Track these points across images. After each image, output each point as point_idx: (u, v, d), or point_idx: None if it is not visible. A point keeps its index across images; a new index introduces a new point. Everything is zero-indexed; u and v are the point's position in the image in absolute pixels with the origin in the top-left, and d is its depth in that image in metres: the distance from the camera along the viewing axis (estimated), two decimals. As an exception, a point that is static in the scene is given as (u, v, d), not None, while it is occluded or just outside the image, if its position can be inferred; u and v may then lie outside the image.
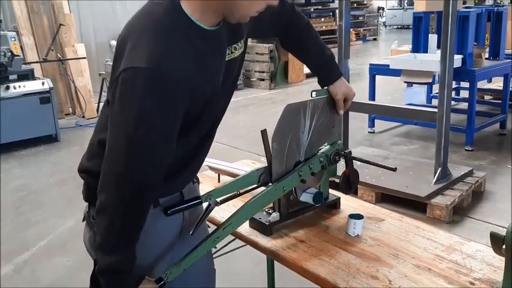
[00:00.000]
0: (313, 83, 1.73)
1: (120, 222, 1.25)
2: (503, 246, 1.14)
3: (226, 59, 1.36)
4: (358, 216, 1.65)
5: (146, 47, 1.17)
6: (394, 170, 1.79)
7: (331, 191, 1.87)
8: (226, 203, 1.55)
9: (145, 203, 1.28)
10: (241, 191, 1.59)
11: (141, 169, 1.21)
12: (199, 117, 1.32)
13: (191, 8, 1.23)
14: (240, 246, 2.22)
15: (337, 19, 4.43)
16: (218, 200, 1.51)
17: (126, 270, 1.29)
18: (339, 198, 1.86)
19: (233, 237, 1.91)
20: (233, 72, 1.45)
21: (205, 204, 1.48)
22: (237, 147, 5.62)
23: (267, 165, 1.62)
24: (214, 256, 2.25)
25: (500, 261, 1.29)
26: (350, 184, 1.78)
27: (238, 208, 1.53)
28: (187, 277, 1.50)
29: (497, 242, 1.16)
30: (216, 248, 1.97)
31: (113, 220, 1.25)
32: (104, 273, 1.30)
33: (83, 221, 1.50)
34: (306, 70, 9.60)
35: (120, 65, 1.18)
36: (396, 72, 5.11)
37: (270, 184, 1.60)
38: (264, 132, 1.58)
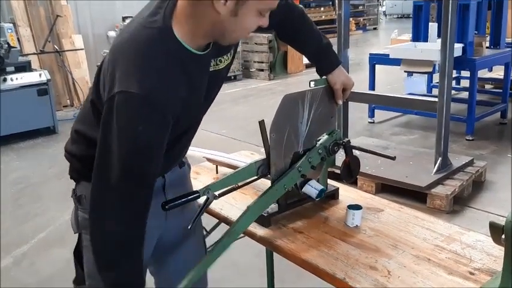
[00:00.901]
0: (313, 73, 1.71)
1: (114, 238, 1.28)
2: (503, 236, 1.12)
3: (210, 70, 1.38)
4: (357, 207, 1.64)
5: (138, 72, 1.20)
6: (393, 158, 1.77)
7: (329, 181, 1.85)
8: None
9: (138, 219, 1.29)
10: (239, 184, 1.58)
11: (132, 187, 1.25)
12: (177, 124, 1.33)
13: (181, 31, 1.25)
14: (239, 238, 2.21)
15: (337, 8, 4.39)
16: (216, 193, 1.50)
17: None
18: (338, 188, 1.84)
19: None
20: (217, 83, 1.47)
21: (203, 198, 1.47)
22: (236, 138, 5.60)
23: (265, 157, 1.60)
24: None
25: (500, 251, 1.28)
26: (351, 172, 1.76)
27: (242, 212, 1.53)
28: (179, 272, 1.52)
29: (496, 231, 1.14)
30: (208, 233, 1.97)
31: (108, 237, 1.29)
32: None
33: (71, 196, 1.56)
34: (306, 60, 9.57)
35: (114, 86, 1.20)
36: (396, 62, 5.08)
37: (269, 176, 1.59)
38: (261, 123, 1.56)
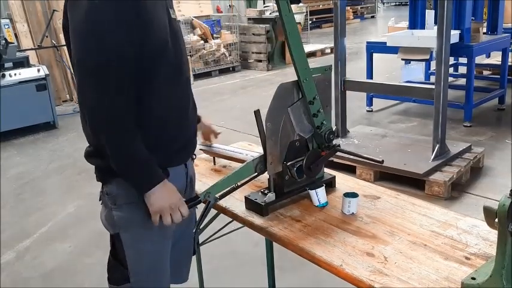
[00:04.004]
0: (312, 63, 1.71)
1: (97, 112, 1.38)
2: (496, 220, 1.14)
3: (172, 17, 1.54)
4: (353, 195, 1.65)
5: None
6: (381, 162, 1.78)
7: (326, 169, 1.86)
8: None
9: (115, 84, 1.36)
10: (239, 183, 1.62)
11: (101, 53, 1.34)
12: (165, 50, 1.46)
13: None
14: (238, 228, 2.23)
15: (333, -3, 4.38)
16: (217, 195, 1.54)
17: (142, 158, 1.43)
18: (334, 177, 1.85)
19: (230, 219, 1.91)
20: (180, 32, 1.59)
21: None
22: (235, 129, 5.60)
23: (262, 154, 1.62)
24: (212, 238, 2.28)
25: (495, 235, 1.29)
26: (311, 168, 1.74)
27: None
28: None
29: (490, 215, 1.16)
30: (203, 219, 2.01)
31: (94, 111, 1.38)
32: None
33: (100, 199, 1.61)
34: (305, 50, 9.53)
35: None
36: (393, 50, 5.07)
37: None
38: (257, 113, 1.58)
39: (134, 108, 1.42)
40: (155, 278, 1.62)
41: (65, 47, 7.48)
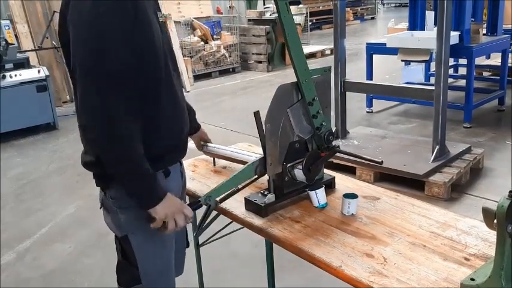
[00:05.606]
0: (312, 65, 1.72)
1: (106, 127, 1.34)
2: (495, 221, 1.14)
3: (160, 20, 1.52)
4: (353, 196, 1.66)
5: None
6: (381, 163, 1.79)
7: (326, 170, 1.87)
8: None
9: (119, 102, 1.33)
10: (239, 186, 1.63)
11: (107, 65, 1.31)
12: (152, 51, 1.43)
13: None
14: (238, 229, 2.23)
15: (333, -2, 4.37)
16: (218, 199, 1.55)
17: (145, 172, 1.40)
18: (334, 178, 1.86)
19: (230, 220, 1.92)
20: (168, 41, 1.59)
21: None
22: (235, 130, 5.61)
23: (261, 156, 1.63)
24: (212, 239, 2.29)
25: (495, 236, 1.30)
26: (310, 169, 1.74)
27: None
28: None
29: (489, 216, 1.16)
30: (203, 223, 2.02)
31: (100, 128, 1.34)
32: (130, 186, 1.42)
33: (101, 207, 1.61)
34: (304, 51, 9.53)
35: None
36: (393, 51, 5.06)
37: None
38: (257, 114, 1.58)
39: (139, 121, 1.41)
40: (166, 277, 1.63)
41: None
